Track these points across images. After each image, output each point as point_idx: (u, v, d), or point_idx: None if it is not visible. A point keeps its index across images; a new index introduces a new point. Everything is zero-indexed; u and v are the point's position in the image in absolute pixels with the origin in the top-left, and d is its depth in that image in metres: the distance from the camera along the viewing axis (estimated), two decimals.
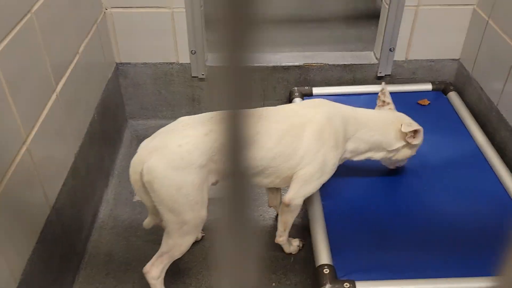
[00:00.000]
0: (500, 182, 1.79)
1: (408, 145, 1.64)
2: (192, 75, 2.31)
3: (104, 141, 2.02)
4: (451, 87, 2.28)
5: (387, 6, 2.15)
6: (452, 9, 2.16)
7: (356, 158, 1.63)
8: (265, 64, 2.31)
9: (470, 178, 1.82)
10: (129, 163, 2.14)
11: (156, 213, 1.44)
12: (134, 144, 2.30)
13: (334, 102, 1.63)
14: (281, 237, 1.66)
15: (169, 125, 1.44)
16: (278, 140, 1.43)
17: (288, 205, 1.52)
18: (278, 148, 1.43)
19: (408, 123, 1.61)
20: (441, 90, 2.30)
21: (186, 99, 2.40)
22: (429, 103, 2.22)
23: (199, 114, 1.47)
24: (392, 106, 1.72)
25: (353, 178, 1.83)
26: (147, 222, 1.55)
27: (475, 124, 2.05)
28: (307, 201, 1.74)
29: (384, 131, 1.61)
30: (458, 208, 1.71)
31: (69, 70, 1.67)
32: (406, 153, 1.67)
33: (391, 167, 1.80)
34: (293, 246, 1.74)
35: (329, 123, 1.49)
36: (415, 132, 1.61)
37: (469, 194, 1.76)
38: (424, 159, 1.91)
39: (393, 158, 1.68)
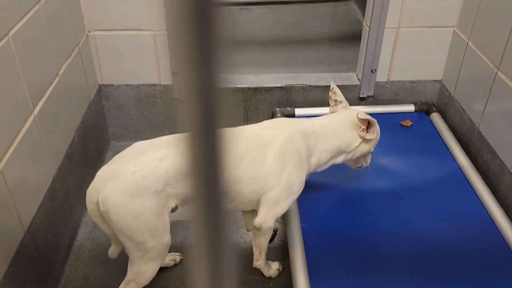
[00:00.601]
0: (482, 204, 1.79)
1: (364, 140, 1.60)
2: (175, 96, 2.31)
3: (84, 163, 2.00)
4: (434, 108, 2.29)
5: (367, 28, 2.16)
6: (433, 31, 2.18)
7: (320, 169, 1.61)
8: (247, 86, 2.31)
9: (452, 200, 1.82)
10: None
11: (119, 241, 1.41)
12: None
13: (292, 119, 1.62)
14: (258, 261, 1.63)
15: (124, 151, 1.41)
16: (238, 162, 1.40)
17: (259, 229, 1.50)
18: (239, 171, 1.40)
19: (363, 113, 1.58)
20: (423, 111, 2.31)
21: (169, 120, 2.39)
22: (411, 124, 2.23)
23: (155, 138, 1.43)
24: (345, 103, 1.67)
25: (333, 199, 1.83)
26: (112, 251, 1.51)
27: (458, 145, 2.06)
28: (286, 223, 1.73)
29: (341, 134, 1.58)
30: (440, 230, 1.70)
31: (48, 92, 1.66)
32: (363, 149, 1.62)
33: (354, 167, 1.75)
34: (272, 269, 1.72)
35: (290, 143, 1.47)
36: (369, 124, 1.56)
37: (451, 216, 1.75)
38: (407, 180, 1.91)
39: (354, 157, 1.64)
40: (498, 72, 1.84)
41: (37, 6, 1.59)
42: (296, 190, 1.50)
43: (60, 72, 1.78)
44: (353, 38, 3.00)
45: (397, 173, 1.95)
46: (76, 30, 1.98)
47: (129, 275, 1.42)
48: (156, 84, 2.28)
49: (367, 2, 2.17)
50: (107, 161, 2.25)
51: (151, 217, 1.32)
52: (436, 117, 2.25)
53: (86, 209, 1.94)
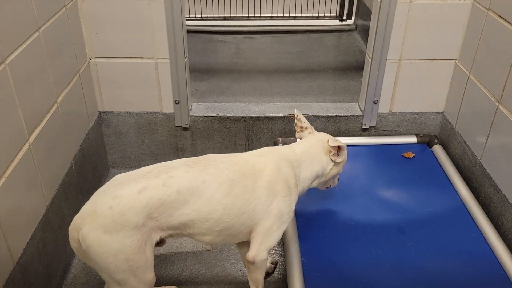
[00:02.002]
0: (485, 239, 1.76)
1: (335, 164, 1.62)
2: (176, 125, 2.30)
3: (81, 191, 1.99)
4: (436, 140, 2.27)
5: (370, 59, 2.16)
6: (434, 63, 2.17)
7: (301, 195, 1.60)
8: (249, 115, 2.30)
9: (455, 234, 1.79)
10: None
11: None
12: None
13: (276, 147, 1.62)
14: None
15: (104, 185, 1.35)
16: (229, 191, 1.37)
17: (253, 263, 1.46)
18: (229, 200, 1.37)
19: (333, 139, 1.58)
20: (425, 142, 2.29)
21: (170, 149, 2.38)
22: (413, 156, 2.21)
23: (135, 170, 1.38)
24: (311, 129, 1.68)
25: (334, 232, 1.80)
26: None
27: (460, 178, 2.03)
28: (286, 256, 1.70)
29: (318, 160, 1.59)
30: (442, 264, 1.67)
31: (45, 120, 1.66)
32: (333, 172, 1.64)
33: (323, 189, 1.76)
34: None
35: (279, 173, 1.46)
36: (339, 149, 1.59)
37: (453, 251, 1.72)
38: (409, 213, 1.88)
39: (325, 180, 1.66)
40: (499, 106, 1.82)
41: (36, 34, 1.60)
42: (286, 220, 1.49)
43: (59, 100, 1.78)
44: (357, 68, 3.01)
45: (399, 205, 1.92)
46: (77, 57, 1.98)
47: None
48: (157, 112, 2.27)
49: (369, 34, 2.17)
50: None
51: (131, 254, 1.27)
52: (438, 149, 2.22)
53: None
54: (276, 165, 1.47)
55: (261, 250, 1.45)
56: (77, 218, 1.29)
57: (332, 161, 1.60)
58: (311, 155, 1.59)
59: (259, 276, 1.53)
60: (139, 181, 1.30)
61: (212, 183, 1.35)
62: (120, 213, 1.25)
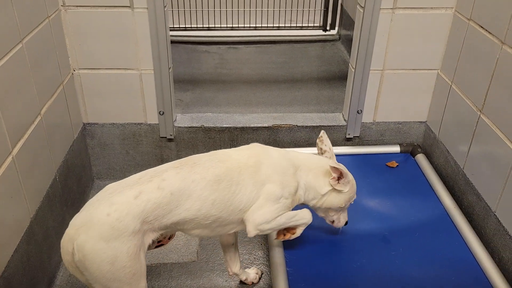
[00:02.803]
0: (468, 247, 1.77)
1: (335, 191, 1.58)
2: (161, 136, 2.30)
3: (66, 203, 1.97)
4: (419, 149, 2.29)
5: (353, 70, 2.18)
6: (417, 73, 2.20)
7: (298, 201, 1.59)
8: (234, 125, 2.30)
9: (438, 243, 1.80)
10: None
11: None
12: None
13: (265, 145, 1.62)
14: (292, 223, 1.55)
15: (95, 196, 1.36)
16: (216, 187, 1.40)
17: (254, 235, 1.47)
18: (216, 195, 1.40)
19: (337, 164, 1.56)
20: (409, 152, 2.31)
21: (155, 160, 2.37)
22: (397, 165, 2.22)
23: (126, 178, 1.39)
24: (329, 154, 1.66)
25: (318, 242, 1.80)
26: None
27: (443, 187, 2.05)
28: (272, 266, 1.70)
29: (315, 173, 1.57)
30: (426, 273, 1.68)
31: (28, 132, 1.64)
32: (333, 200, 1.59)
33: (327, 221, 1.70)
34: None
35: (260, 163, 1.48)
36: (341, 175, 1.55)
37: (437, 259, 1.73)
38: (393, 222, 1.90)
39: (323, 206, 1.61)
40: (481, 115, 1.84)
41: (19, 45, 1.59)
42: (284, 200, 1.49)
43: (43, 111, 1.77)
44: (341, 78, 3.03)
45: (383, 214, 1.94)
46: (61, 69, 1.97)
47: None
48: (142, 123, 2.27)
49: (353, 45, 2.19)
50: None
51: (128, 261, 1.27)
52: (421, 158, 2.25)
53: None
54: (257, 158, 1.49)
55: (257, 223, 1.45)
56: (70, 230, 1.28)
57: (332, 186, 1.56)
58: (309, 165, 1.58)
59: (276, 228, 1.54)
60: (133, 187, 1.32)
61: (200, 182, 1.38)
62: (118, 219, 1.25)
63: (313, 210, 1.64)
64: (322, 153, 1.67)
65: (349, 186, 1.58)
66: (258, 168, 1.47)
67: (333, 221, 1.69)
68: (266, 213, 1.46)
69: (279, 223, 1.51)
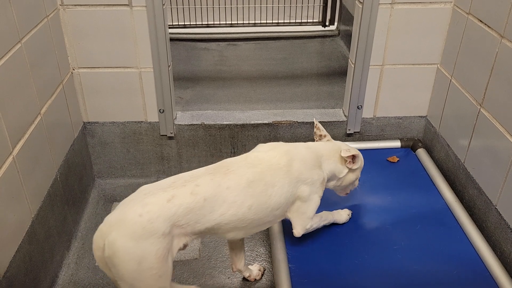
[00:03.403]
0: (469, 241, 1.78)
1: (351, 170, 1.71)
2: (161, 134, 2.30)
3: (67, 202, 1.97)
4: (420, 144, 2.29)
5: (353, 65, 2.18)
6: (417, 68, 2.20)
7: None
8: (234, 122, 2.30)
9: (439, 237, 1.81)
10: (95, 223, 2.11)
11: None
12: (101, 204, 2.25)
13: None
14: (327, 221, 1.78)
15: (129, 196, 1.38)
16: (251, 192, 1.44)
17: (300, 235, 1.64)
18: (253, 200, 1.44)
19: (346, 149, 1.66)
20: (409, 147, 2.31)
21: (155, 158, 2.37)
22: (398, 160, 2.22)
23: (160, 181, 1.42)
24: (328, 137, 1.77)
25: (321, 239, 1.80)
26: None
27: (444, 181, 2.05)
28: (274, 263, 1.70)
29: (333, 160, 1.67)
30: (427, 267, 1.68)
31: (28, 132, 1.65)
32: (351, 178, 1.73)
33: (342, 194, 1.86)
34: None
35: (292, 161, 1.53)
36: (354, 157, 1.67)
37: (438, 253, 1.74)
38: (394, 217, 1.90)
39: (342, 184, 1.74)
40: (481, 109, 1.84)
41: (18, 45, 1.59)
42: (316, 196, 1.60)
43: (43, 111, 1.77)
44: (340, 73, 3.03)
45: (385, 209, 1.94)
46: (60, 68, 1.97)
47: None
48: (142, 122, 2.27)
49: (352, 40, 2.19)
50: (92, 200, 2.24)
51: (156, 262, 1.29)
52: (422, 153, 2.25)
53: (68, 250, 1.93)
54: (288, 156, 1.54)
55: (305, 224, 1.62)
56: (103, 227, 1.31)
57: (349, 168, 1.69)
58: (328, 153, 1.67)
59: (316, 227, 1.71)
60: (167, 190, 1.35)
61: (235, 188, 1.42)
62: (149, 221, 1.28)
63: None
64: (321, 139, 1.77)
65: (360, 160, 1.71)
66: (290, 166, 1.52)
67: (349, 191, 1.86)
68: (307, 213, 1.59)
69: (322, 218, 1.73)
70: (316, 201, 1.61)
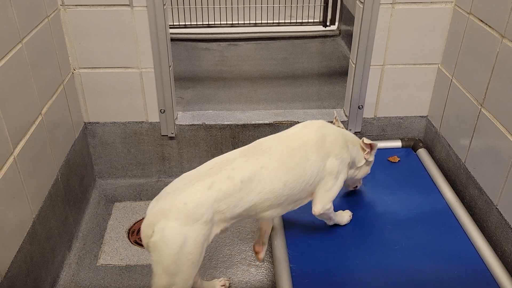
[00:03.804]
0: (470, 241, 1.78)
1: (366, 162, 1.79)
2: (162, 134, 2.30)
3: (68, 202, 1.98)
4: (421, 144, 2.29)
5: (353, 65, 2.18)
6: (418, 68, 2.20)
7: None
8: (235, 122, 2.30)
9: (440, 237, 1.80)
10: (96, 223, 2.12)
11: None
12: (102, 204, 2.25)
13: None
14: (331, 222, 1.81)
15: (172, 183, 1.45)
16: (286, 168, 1.49)
17: (319, 215, 1.66)
18: (289, 176, 1.49)
19: (366, 139, 1.75)
20: (410, 146, 2.31)
21: (156, 158, 2.38)
22: (399, 160, 2.22)
23: (198, 167, 1.47)
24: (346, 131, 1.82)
25: (322, 239, 1.80)
26: None
27: (445, 181, 2.05)
28: (275, 263, 1.70)
29: (358, 147, 1.76)
30: (428, 267, 1.68)
31: (29, 132, 1.65)
32: (365, 171, 1.84)
33: (350, 188, 1.98)
34: None
35: (324, 136, 1.60)
36: (372, 148, 1.76)
37: (439, 253, 1.74)
38: (395, 217, 1.90)
39: (356, 176, 1.82)
40: (482, 109, 1.84)
41: (19, 46, 1.59)
42: (342, 174, 1.66)
43: (43, 111, 1.77)
44: (341, 73, 3.03)
45: (385, 209, 1.94)
46: (61, 68, 1.97)
47: None
48: (143, 122, 2.27)
49: (353, 40, 2.18)
50: (93, 201, 2.25)
51: (193, 248, 1.35)
52: (423, 153, 2.25)
53: (69, 250, 1.93)
54: (321, 131, 1.61)
55: (324, 204, 1.63)
56: (149, 217, 1.36)
57: (366, 159, 1.78)
58: (352, 140, 1.74)
59: (328, 217, 1.74)
60: (206, 177, 1.40)
61: (270, 166, 1.47)
62: (194, 209, 1.34)
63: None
64: None
65: (373, 156, 1.81)
66: (323, 141, 1.59)
67: (356, 186, 1.98)
68: (331, 192, 1.63)
69: (333, 213, 1.76)
70: (341, 182, 1.65)
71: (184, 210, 1.34)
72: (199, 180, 1.40)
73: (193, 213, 1.34)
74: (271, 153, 1.50)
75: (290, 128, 1.66)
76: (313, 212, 1.64)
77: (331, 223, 1.81)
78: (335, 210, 1.82)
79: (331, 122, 1.77)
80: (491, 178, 1.80)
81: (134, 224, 2.15)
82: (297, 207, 1.63)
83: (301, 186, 1.53)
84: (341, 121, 2.29)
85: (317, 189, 1.60)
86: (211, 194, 1.37)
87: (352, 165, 1.75)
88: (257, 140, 1.57)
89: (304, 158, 1.53)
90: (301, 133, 1.60)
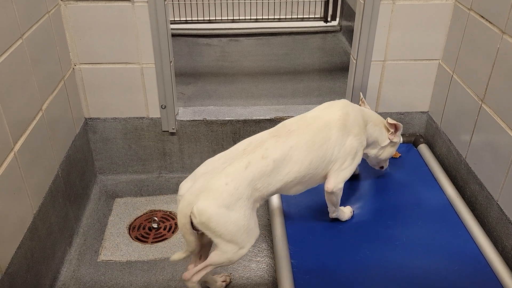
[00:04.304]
0: (471, 236, 1.78)
1: (390, 143, 1.87)
2: (163, 129, 2.30)
3: (69, 198, 1.98)
4: (422, 140, 2.29)
5: (354, 61, 2.17)
6: (418, 63, 2.19)
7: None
8: (236, 118, 2.30)
9: (441, 232, 1.81)
10: (96, 219, 2.12)
11: (195, 252, 1.54)
12: (103, 200, 2.25)
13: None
14: (335, 213, 1.81)
15: (205, 163, 1.53)
16: (311, 148, 1.58)
17: (331, 192, 1.68)
18: (313, 155, 1.58)
19: (390, 119, 1.83)
20: (411, 142, 2.31)
21: (157, 154, 2.38)
22: (400, 156, 2.22)
23: (230, 149, 1.56)
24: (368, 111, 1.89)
25: (323, 235, 1.80)
26: (178, 256, 1.55)
27: (445, 177, 2.05)
28: (276, 259, 1.70)
29: (381, 127, 1.83)
30: (429, 262, 1.68)
31: (30, 128, 1.65)
32: (389, 151, 1.90)
33: (376, 167, 2.02)
34: None
35: (347, 115, 1.67)
36: (396, 128, 1.83)
37: (440, 249, 1.74)
38: (396, 212, 1.90)
39: (380, 156, 1.89)
40: (483, 104, 1.84)
41: (20, 41, 1.59)
42: (359, 156, 1.71)
43: (44, 107, 1.77)
44: (342, 69, 3.02)
45: (386, 205, 1.94)
46: (62, 64, 1.97)
47: (213, 261, 1.51)
48: (144, 117, 2.27)
49: (354, 36, 2.18)
50: (93, 196, 2.25)
51: (247, 220, 1.46)
52: (423, 149, 2.24)
53: (70, 246, 1.93)
54: (343, 111, 1.68)
55: (338, 182, 1.67)
56: (188, 196, 1.42)
57: (390, 140, 1.85)
58: (375, 119, 1.81)
59: (336, 199, 1.75)
60: (242, 158, 1.50)
61: (298, 146, 1.56)
62: (235, 188, 1.43)
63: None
64: None
65: (399, 136, 1.89)
66: (346, 120, 1.66)
67: (382, 167, 2.02)
68: (346, 172, 1.68)
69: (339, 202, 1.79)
70: (356, 163, 1.71)
71: (226, 190, 1.42)
72: (235, 160, 1.48)
73: (235, 192, 1.43)
74: (298, 133, 1.58)
75: (314, 108, 1.75)
76: (326, 189, 1.67)
77: (334, 213, 1.81)
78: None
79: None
80: (492, 174, 1.79)
81: (135, 220, 2.15)
82: (317, 184, 1.70)
83: (323, 165, 1.62)
84: None
85: (332, 166, 1.65)
86: (248, 173, 1.46)
87: (375, 145, 1.83)
88: (283, 122, 1.66)
89: (326, 137, 1.61)
90: (325, 112, 1.69)
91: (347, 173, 1.68)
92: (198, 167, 1.53)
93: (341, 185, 1.69)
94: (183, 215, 1.42)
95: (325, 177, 1.68)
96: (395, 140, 1.86)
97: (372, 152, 1.86)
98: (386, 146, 1.86)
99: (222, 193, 1.42)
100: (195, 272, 1.54)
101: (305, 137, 1.58)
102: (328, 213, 1.82)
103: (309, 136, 1.59)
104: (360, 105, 1.91)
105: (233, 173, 1.45)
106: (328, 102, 1.77)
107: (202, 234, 1.49)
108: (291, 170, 1.55)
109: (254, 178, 1.47)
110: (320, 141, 1.60)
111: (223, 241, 1.45)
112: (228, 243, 1.46)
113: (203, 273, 1.54)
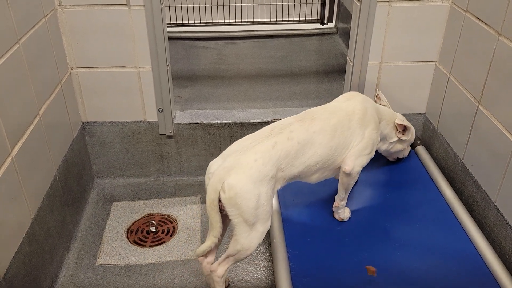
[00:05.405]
0: (468, 237, 1.78)
1: (399, 140, 1.99)
2: (160, 133, 2.30)
3: (66, 203, 1.98)
4: (419, 141, 2.29)
5: (351, 63, 2.18)
6: (415, 65, 2.20)
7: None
8: (233, 121, 2.30)
9: (439, 234, 1.81)
10: (94, 223, 2.11)
11: (218, 237, 1.52)
12: (101, 204, 2.25)
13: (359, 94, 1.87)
14: (342, 201, 1.84)
15: (234, 144, 1.58)
16: (333, 134, 1.65)
17: (349, 174, 1.72)
18: (334, 141, 1.66)
19: (401, 119, 1.95)
20: None
21: (155, 157, 2.38)
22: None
23: (257, 131, 1.62)
24: (388, 106, 2.03)
25: (321, 237, 1.80)
26: (203, 249, 1.55)
27: (443, 178, 2.05)
28: (274, 261, 1.70)
29: (392, 126, 1.94)
30: (427, 264, 1.68)
31: (27, 133, 1.65)
32: (399, 146, 2.03)
33: (391, 159, 2.15)
34: None
35: (366, 110, 1.75)
36: (405, 128, 1.96)
37: (438, 250, 1.74)
38: (393, 214, 1.90)
39: (391, 150, 2.03)
40: (479, 106, 1.84)
41: (16, 46, 1.59)
42: (373, 149, 1.78)
43: (41, 111, 1.77)
44: (339, 71, 3.03)
45: (384, 207, 1.94)
46: (58, 68, 1.97)
47: (231, 251, 1.54)
48: (141, 121, 2.27)
49: (350, 38, 2.18)
50: (91, 200, 2.24)
51: (266, 200, 1.50)
52: (421, 150, 2.25)
53: (68, 251, 1.93)
54: (363, 105, 1.76)
55: (356, 165, 1.72)
56: (219, 171, 1.46)
57: (398, 137, 1.97)
58: (388, 117, 1.91)
59: (351, 183, 1.79)
60: (269, 138, 1.56)
61: (321, 132, 1.64)
62: (263, 164, 1.49)
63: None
64: None
65: (410, 134, 2.02)
66: (365, 113, 1.74)
67: (397, 158, 2.15)
68: (364, 158, 1.74)
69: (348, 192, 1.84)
70: (373, 153, 1.79)
71: (255, 166, 1.47)
72: (264, 139, 1.55)
73: (263, 169, 1.48)
74: (322, 120, 1.66)
75: (335, 99, 1.84)
76: (344, 170, 1.71)
77: (342, 201, 1.84)
78: (332, 205, 1.85)
79: None
80: (489, 175, 1.80)
81: (133, 224, 2.15)
82: (332, 174, 1.76)
83: (342, 152, 1.69)
84: None
85: (351, 150, 1.71)
86: (275, 152, 1.52)
87: (384, 140, 1.96)
88: (306, 110, 1.72)
89: (347, 127, 1.69)
90: (346, 104, 1.76)
91: (364, 160, 1.74)
92: (227, 148, 1.57)
93: (359, 169, 1.74)
94: (214, 190, 1.45)
95: (339, 165, 1.74)
96: (402, 138, 1.98)
97: (383, 147, 1.99)
98: (394, 142, 1.99)
99: (251, 168, 1.46)
100: (218, 264, 1.57)
101: (328, 124, 1.65)
102: (328, 213, 1.83)
103: (332, 124, 1.66)
104: (375, 101, 2.03)
105: (261, 151, 1.51)
106: (349, 93, 1.88)
107: (223, 219, 1.52)
108: (314, 153, 1.62)
109: (280, 157, 1.53)
110: (341, 128, 1.67)
111: (241, 221, 1.48)
112: (245, 224, 1.48)
113: (226, 265, 1.57)
